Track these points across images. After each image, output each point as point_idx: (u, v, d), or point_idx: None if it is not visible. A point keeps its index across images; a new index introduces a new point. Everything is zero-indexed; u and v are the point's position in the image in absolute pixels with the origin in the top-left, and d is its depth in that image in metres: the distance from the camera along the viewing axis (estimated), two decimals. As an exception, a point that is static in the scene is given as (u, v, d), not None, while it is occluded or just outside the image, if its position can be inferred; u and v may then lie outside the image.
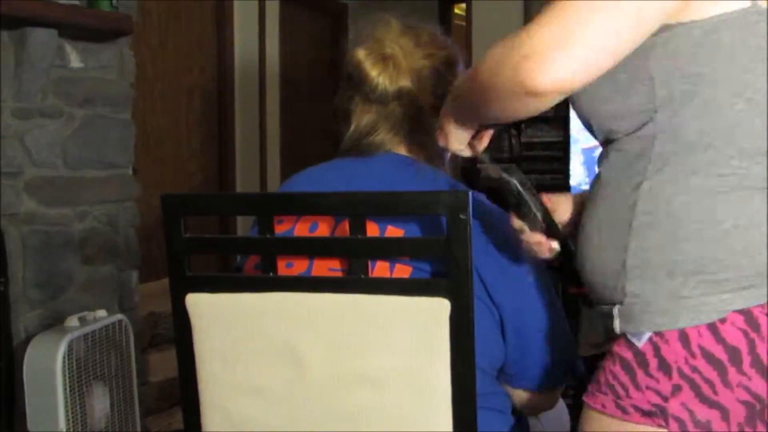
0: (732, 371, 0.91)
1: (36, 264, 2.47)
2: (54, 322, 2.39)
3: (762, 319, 0.90)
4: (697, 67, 0.94)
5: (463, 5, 5.19)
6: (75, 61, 2.59)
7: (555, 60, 0.88)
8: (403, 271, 1.18)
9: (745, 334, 0.90)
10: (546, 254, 1.13)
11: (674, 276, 0.93)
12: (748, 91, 0.93)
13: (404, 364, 1.13)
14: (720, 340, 0.91)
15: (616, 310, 0.98)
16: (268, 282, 1.19)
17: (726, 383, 0.91)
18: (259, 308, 1.19)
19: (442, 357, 1.10)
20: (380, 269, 1.18)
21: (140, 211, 2.89)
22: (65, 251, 2.57)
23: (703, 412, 0.92)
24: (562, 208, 1.21)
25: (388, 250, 1.18)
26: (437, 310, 1.09)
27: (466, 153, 1.21)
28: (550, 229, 1.13)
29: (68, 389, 2.13)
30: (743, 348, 0.90)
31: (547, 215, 1.13)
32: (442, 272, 1.10)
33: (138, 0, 2.87)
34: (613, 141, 1.03)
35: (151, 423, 2.89)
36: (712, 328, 0.91)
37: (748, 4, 0.92)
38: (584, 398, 1.02)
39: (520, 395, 1.29)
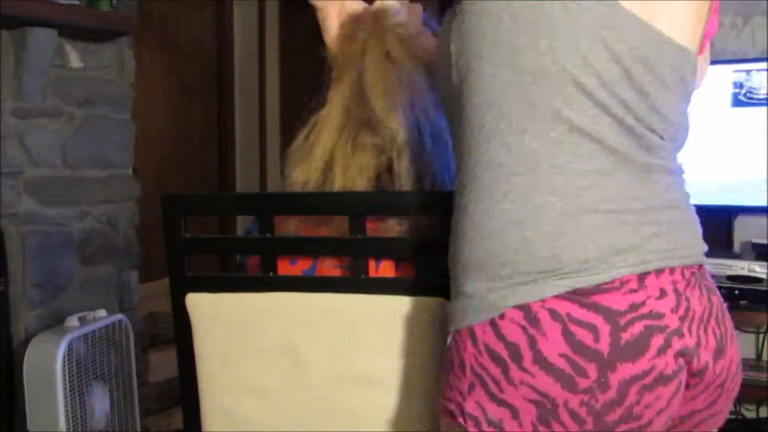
0: (513, 368, 0.89)
1: (36, 264, 2.46)
2: (54, 322, 2.39)
3: (541, 314, 0.88)
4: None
5: (463, 5, 5.16)
6: (75, 61, 2.59)
7: None
8: (407, 268, 1.18)
9: (524, 330, 0.88)
10: None
11: (464, 275, 0.94)
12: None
13: (404, 364, 1.13)
14: (500, 336, 0.89)
15: None
16: (268, 282, 1.19)
17: (509, 380, 0.89)
18: (259, 308, 1.19)
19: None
20: (385, 267, 1.18)
21: (140, 211, 2.89)
22: (65, 251, 2.57)
23: (493, 411, 0.90)
24: None
25: (389, 250, 1.17)
26: (437, 310, 1.09)
27: None
28: None
29: (68, 389, 2.13)
30: (522, 344, 0.88)
31: None
32: (445, 270, 1.10)
33: (138, 0, 2.87)
34: None
35: (151, 423, 2.89)
36: (493, 324, 0.90)
37: None
38: None
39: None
